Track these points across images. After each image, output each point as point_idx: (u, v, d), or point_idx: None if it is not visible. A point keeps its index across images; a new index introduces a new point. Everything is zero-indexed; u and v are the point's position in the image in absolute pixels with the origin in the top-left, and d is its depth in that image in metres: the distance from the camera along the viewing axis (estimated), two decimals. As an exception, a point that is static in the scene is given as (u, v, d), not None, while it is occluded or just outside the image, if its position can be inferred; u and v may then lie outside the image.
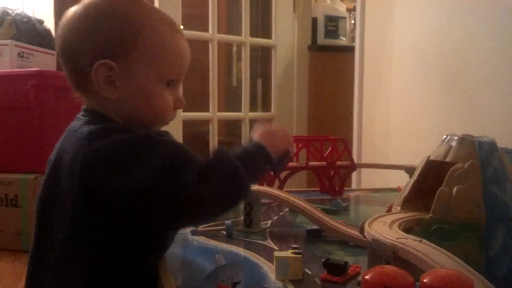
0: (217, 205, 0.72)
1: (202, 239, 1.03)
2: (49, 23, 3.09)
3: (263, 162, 0.81)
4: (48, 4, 3.38)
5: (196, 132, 3.14)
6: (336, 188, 1.55)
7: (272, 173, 0.82)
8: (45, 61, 2.72)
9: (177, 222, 0.73)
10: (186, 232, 1.06)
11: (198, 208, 0.69)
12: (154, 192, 0.68)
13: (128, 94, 0.78)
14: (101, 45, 0.76)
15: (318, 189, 1.61)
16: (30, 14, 3.04)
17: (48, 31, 2.91)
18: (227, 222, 1.07)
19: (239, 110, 2.93)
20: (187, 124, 2.70)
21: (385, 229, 0.77)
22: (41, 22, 2.90)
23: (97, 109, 0.79)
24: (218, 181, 0.70)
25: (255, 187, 1.17)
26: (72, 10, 0.79)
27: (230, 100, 3.63)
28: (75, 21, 0.78)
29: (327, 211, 1.21)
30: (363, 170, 2.42)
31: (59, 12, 3.44)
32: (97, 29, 0.76)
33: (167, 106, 0.81)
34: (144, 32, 0.77)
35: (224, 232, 1.06)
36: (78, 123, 0.78)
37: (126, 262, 0.72)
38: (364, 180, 2.45)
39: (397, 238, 0.70)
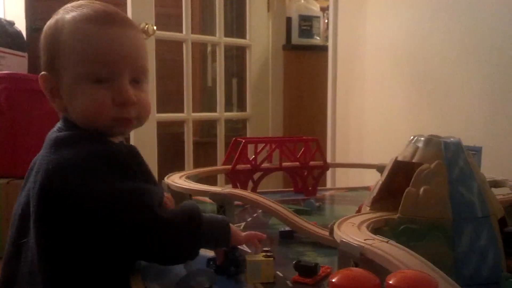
0: (172, 239, 0.71)
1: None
2: (20, 25, 3.05)
3: (222, 239, 0.80)
4: (19, 6, 3.33)
5: (171, 132, 3.13)
6: (310, 188, 1.56)
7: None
8: (16, 63, 2.69)
9: (135, 246, 0.71)
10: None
11: (158, 232, 0.70)
12: (115, 211, 0.69)
13: (67, 101, 0.80)
14: (43, 61, 0.82)
15: (292, 189, 1.62)
16: (0, 15, 3.00)
17: (19, 33, 2.87)
18: None
19: (214, 110, 2.93)
20: (161, 125, 2.69)
21: (353, 230, 0.78)
22: (11, 23, 2.86)
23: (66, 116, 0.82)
24: (177, 214, 0.72)
25: (227, 189, 1.17)
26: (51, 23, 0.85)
27: (205, 100, 3.62)
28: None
29: (300, 212, 1.22)
30: (338, 169, 2.44)
31: (29, 13, 3.40)
32: (46, 41, 0.82)
33: (99, 103, 0.78)
34: (63, 38, 0.79)
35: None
36: (52, 130, 0.81)
37: (91, 272, 0.72)
38: (338, 179, 2.47)
39: (364, 240, 0.71)
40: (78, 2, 0.83)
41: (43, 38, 0.82)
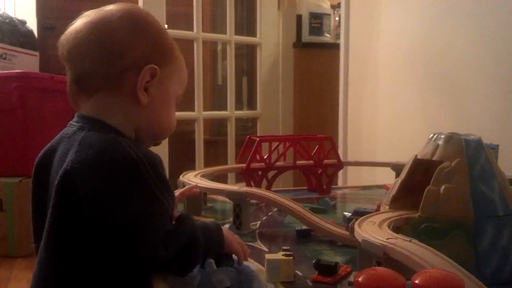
0: (173, 268, 0.71)
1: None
2: (32, 24, 3.06)
3: (217, 245, 0.79)
4: (30, 5, 3.35)
5: (181, 131, 3.13)
6: (324, 187, 1.56)
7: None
8: (28, 62, 2.70)
9: (133, 269, 0.72)
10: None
11: (157, 267, 0.70)
12: (120, 234, 0.68)
13: (155, 103, 0.79)
14: (151, 49, 0.78)
15: (306, 187, 1.61)
16: (11, 15, 3.01)
17: (30, 32, 2.88)
18: (225, 226, 1.06)
19: (225, 109, 2.93)
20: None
21: (375, 229, 0.77)
22: (23, 23, 2.87)
23: (97, 116, 0.77)
24: (179, 247, 0.70)
25: (244, 188, 1.17)
26: (104, 12, 0.78)
27: (216, 98, 3.62)
28: (118, 22, 0.77)
29: (316, 210, 1.22)
30: (350, 167, 2.43)
31: (41, 12, 3.41)
32: (148, 33, 0.79)
33: (175, 124, 0.85)
34: (176, 51, 0.82)
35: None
36: (72, 129, 0.77)
37: (109, 275, 0.71)
38: (350, 177, 2.46)
39: (387, 239, 0.71)
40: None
41: (151, 25, 0.80)
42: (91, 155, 0.70)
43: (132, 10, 0.80)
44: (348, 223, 1.00)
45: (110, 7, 0.79)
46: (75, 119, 0.79)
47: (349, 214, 1.11)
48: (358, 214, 0.99)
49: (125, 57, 0.76)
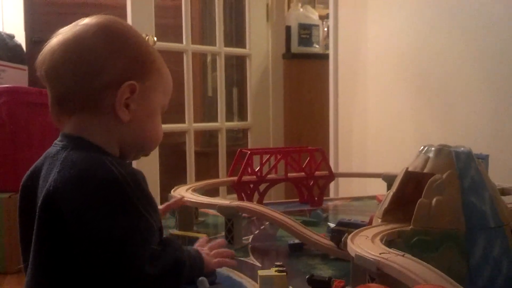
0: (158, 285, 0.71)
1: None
2: (20, 38, 3.05)
3: (198, 268, 0.82)
4: (18, 19, 3.33)
5: (172, 143, 3.12)
6: (316, 198, 1.55)
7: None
8: (17, 76, 2.68)
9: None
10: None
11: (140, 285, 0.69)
12: (106, 250, 0.67)
13: (139, 118, 0.77)
14: (128, 65, 0.76)
15: (298, 200, 1.61)
16: (-1, 29, 3.00)
17: (19, 46, 2.87)
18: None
19: (215, 120, 2.92)
20: (163, 135, 2.67)
21: (367, 243, 0.77)
22: (11, 37, 2.86)
23: (80, 135, 0.75)
24: (166, 266, 0.71)
25: (236, 202, 1.16)
26: (78, 28, 0.75)
27: (206, 110, 3.62)
28: (92, 39, 0.75)
29: (308, 223, 1.21)
30: (341, 178, 2.43)
31: (29, 26, 3.40)
32: (125, 48, 0.76)
33: (161, 135, 0.84)
34: (157, 63, 0.80)
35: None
36: (55, 149, 0.75)
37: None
38: (342, 188, 2.46)
39: (380, 253, 0.71)
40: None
41: (128, 39, 0.77)
42: (74, 174, 0.70)
43: (107, 24, 0.77)
44: (331, 233, 1.01)
45: (85, 21, 0.76)
46: (59, 138, 0.77)
47: (333, 225, 1.11)
48: (342, 225, 0.99)
49: (102, 75, 0.74)
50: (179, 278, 0.74)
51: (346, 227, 0.97)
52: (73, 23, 0.77)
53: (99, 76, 0.74)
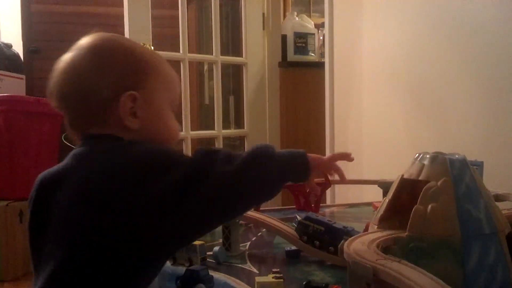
0: (246, 178, 0.73)
1: (180, 267, 1.02)
2: (17, 47, 3.06)
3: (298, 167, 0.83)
4: (16, 28, 3.34)
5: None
6: (312, 205, 1.56)
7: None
8: (14, 85, 2.69)
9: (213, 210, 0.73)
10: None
11: (233, 185, 0.72)
12: (192, 185, 0.70)
13: (149, 121, 0.80)
14: (121, 78, 0.79)
15: (295, 207, 1.62)
16: (-3, 38, 3.01)
17: (16, 55, 2.88)
18: (215, 248, 1.07)
19: (212, 128, 2.94)
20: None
21: (364, 250, 0.78)
22: (9, 46, 2.87)
23: (110, 133, 0.79)
24: (244, 158, 0.74)
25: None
26: (73, 53, 0.80)
27: (203, 118, 3.63)
28: (83, 61, 0.79)
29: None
30: (337, 185, 2.44)
31: (26, 35, 3.40)
32: (113, 64, 0.80)
33: (178, 129, 0.86)
34: (152, 64, 0.82)
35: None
36: (83, 149, 0.78)
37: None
38: (338, 195, 2.47)
39: (376, 260, 0.72)
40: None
41: (115, 54, 0.81)
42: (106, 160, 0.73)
43: (97, 43, 0.81)
44: (297, 225, 1.10)
45: (78, 44, 0.81)
46: (85, 139, 0.80)
47: (300, 218, 1.14)
48: (309, 220, 1.08)
49: (98, 93, 0.78)
50: (268, 163, 0.76)
51: (312, 223, 1.07)
52: (71, 48, 0.82)
53: (96, 94, 0.78)
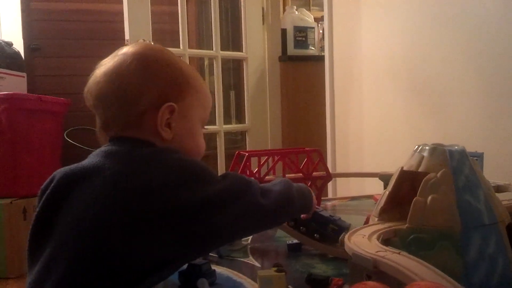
0: (274, 215, 0.82)
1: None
2: (18, 45, 3.06)
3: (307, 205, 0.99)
4: (16, 26, 3.34)
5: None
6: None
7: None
8: (15, 83, 2.70)
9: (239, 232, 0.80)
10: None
11: (261, 217, 0.79)
12: (227, 203, 0.74)
13: (180, 135, 0.83)
14: (164, 89, 0.82)
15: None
16: (-3, 36, 3.01)
17: (17, 54, 2.88)
18: None
19: (214, 123, 2.95)
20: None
21: (364, 242, 0.78)
22: (9, 44, 2.87)
23: (143, 138, 0.81)
24: (278, 200, 0.82)
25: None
26: (117, 58, 0.82)
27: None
28: (129, 67, 0.81)
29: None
30: (339, 178, 2.45)
31: (27, 34, 3.41)
32: (159, 73, 0.82)
33: (204, 147, 0.89)
34: (192, 80, 0.85)
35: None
36: (117, 148, 0.78)
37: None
38: (339, 188, 2.47)
39: (376, 252, 0.72)
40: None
41: (161, 64, 0.83)
42: (170, 160, 0.76)
43: (143, 52, 0.83)
44: None
45: (123, 51, 0.83)
46: (115, 141, 0.81)
47: None
48: None
49: (140, 102, 0.80)
50: (291, 205, 0.87)
51: None
52: (113, 53, 0.85)
53: (138, 102, 0.80)
